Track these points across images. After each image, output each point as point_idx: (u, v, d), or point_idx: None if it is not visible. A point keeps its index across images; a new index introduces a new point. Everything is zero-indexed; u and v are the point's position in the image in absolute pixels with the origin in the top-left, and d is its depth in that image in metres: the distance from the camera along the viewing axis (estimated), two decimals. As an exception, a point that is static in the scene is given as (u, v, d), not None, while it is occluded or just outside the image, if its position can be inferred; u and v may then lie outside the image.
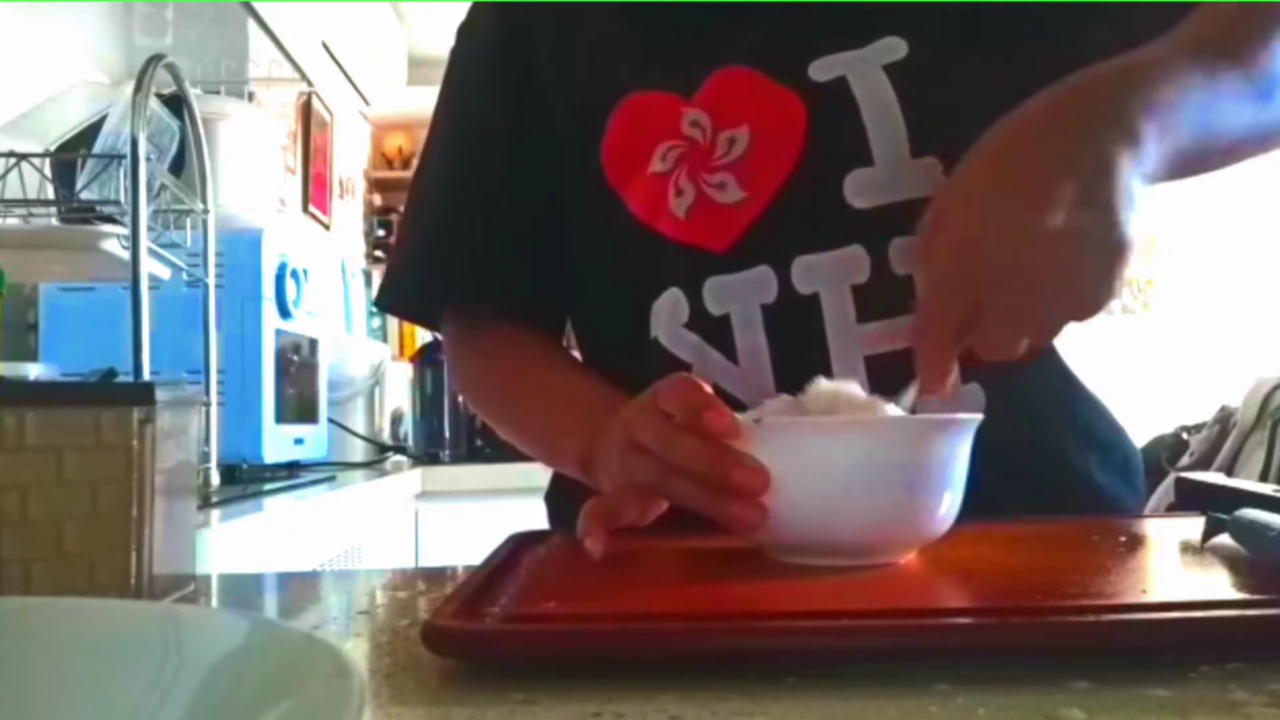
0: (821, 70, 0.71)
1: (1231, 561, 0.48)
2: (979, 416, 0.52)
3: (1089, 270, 0.51)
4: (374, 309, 3.41)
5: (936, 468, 0.50)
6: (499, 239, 0.81)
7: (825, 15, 0.72)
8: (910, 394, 0.55)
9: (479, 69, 0.84)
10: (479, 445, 2.65)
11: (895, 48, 0.71)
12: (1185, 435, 2.21)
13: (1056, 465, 0.74)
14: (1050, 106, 0.54)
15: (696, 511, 0.53)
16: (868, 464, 0.49)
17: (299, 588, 0.70)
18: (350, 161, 3.36)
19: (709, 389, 0.54)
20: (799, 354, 0.69)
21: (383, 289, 0.86)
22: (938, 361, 0.54)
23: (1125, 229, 0.50)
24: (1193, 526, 0.55)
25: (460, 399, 2.62)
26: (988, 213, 0.52)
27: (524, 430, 0.82)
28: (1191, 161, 0.57)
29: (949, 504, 0.51)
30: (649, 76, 0.75)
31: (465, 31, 0.87)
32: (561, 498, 0.86)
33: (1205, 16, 0.60)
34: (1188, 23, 0.60)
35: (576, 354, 0.87)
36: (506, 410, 0.85)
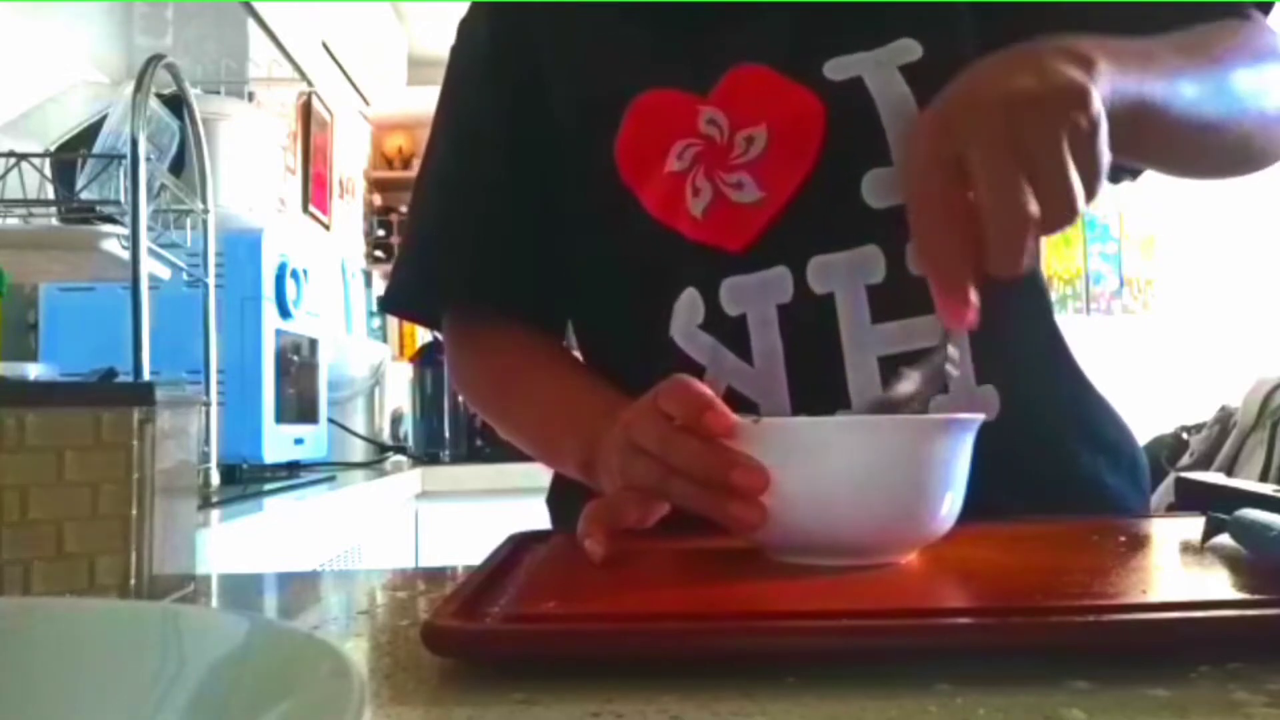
0: (837, 70, 0.71)
1: (1231, 561, 0.48)
2: (980, 416, 0.52)
3: (1065, 80, 0.50)
4: (374, 309, 3.41)
5: (937, 468, 0.50)
6: (498, 239, 0.81)
7: (838, 16, 0.72)
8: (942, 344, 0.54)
9: (477, 68, 0.84)
10: (479, 445, 2.65)
11: (910, 49, 0.71)
12: (1185, 435, 2.20)
13: (1066, 468, 0.74)
14: (1007, 52, 0.55)
15: (697, 513, 0.53)
16: (868, 464, 0.49)
17: (299, 588, 0.70)
18: (350, 161, 3.36)
19: (709, 390, 0.54)
20: (813, 354, 0.69)
21: (387, 291, 0.87)
22: (938, 235, 0.51)
23: (1095, 91, 0.51)
24: (1193, 526, 0.55)
25: (460, 399, 2.62)
26: (958, 88, 0.53)
27: (524, 430, 0.82)
28: (1142, 113, 0.57)
29: (950, 504, 0.51)
30: (660, 74, 0.74)
31: (464, 29, 0.87)
32: (564, 499, 0.86)
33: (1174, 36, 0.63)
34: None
35: (578, 354, 0.87)
36: (506, 410, 0.85)
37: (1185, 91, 0.60)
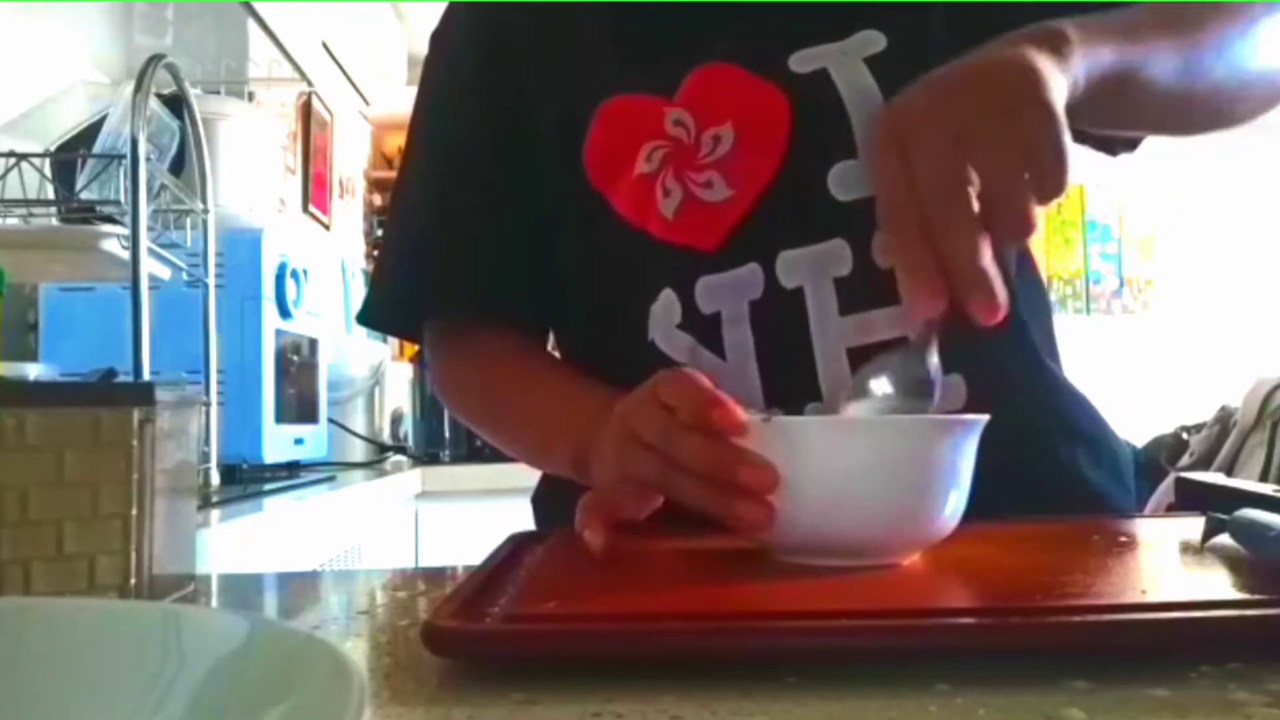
0: (802, 63, 0.71)
1: (1231, 561, 0.48)
2: (985, 417, 0.51)
3: (1020, 75, 0.50)
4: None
5: (944, 467, 0.50)
6: (481, 250, 0.80)
7: (802, 11, 0.72)
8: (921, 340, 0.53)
9: (457, 81, 0.84)
10: (479, 445, 2.65)
11: (874, 40, 0.71)
12: (1185, 435, 2.21)
13: (1043, 461, 0.74)
14: (979, 52, 0.56)
15: (698, 509, 0.53)
16: (877, 463, 0.49)
17: (299, 588, 0.70)
18: (350, 161, 3.36)
19: (711, 384, 0.54)
20: (784, 348, 0.70)
21: (365, 304, 0.85)
22: (901, 223, 0.51)
23: (1051, 73, 0.51)
24: (1193, 526, 0.54)
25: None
26: (919, 90, 0.53)
27: (515, 435, 0.82)
28: (1119, 87, 0.58)
29: (954, 504, 0.51)
30: (628, 78, 0.75)
31: (439, 39, 0.87)
32: (549, 500, 0.86)
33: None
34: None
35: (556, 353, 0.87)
36: (496, 417, 0.84)
37: (1165, 61, 0.60)
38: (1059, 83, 0.52)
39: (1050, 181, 0.49)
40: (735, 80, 0.72)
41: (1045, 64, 0.52)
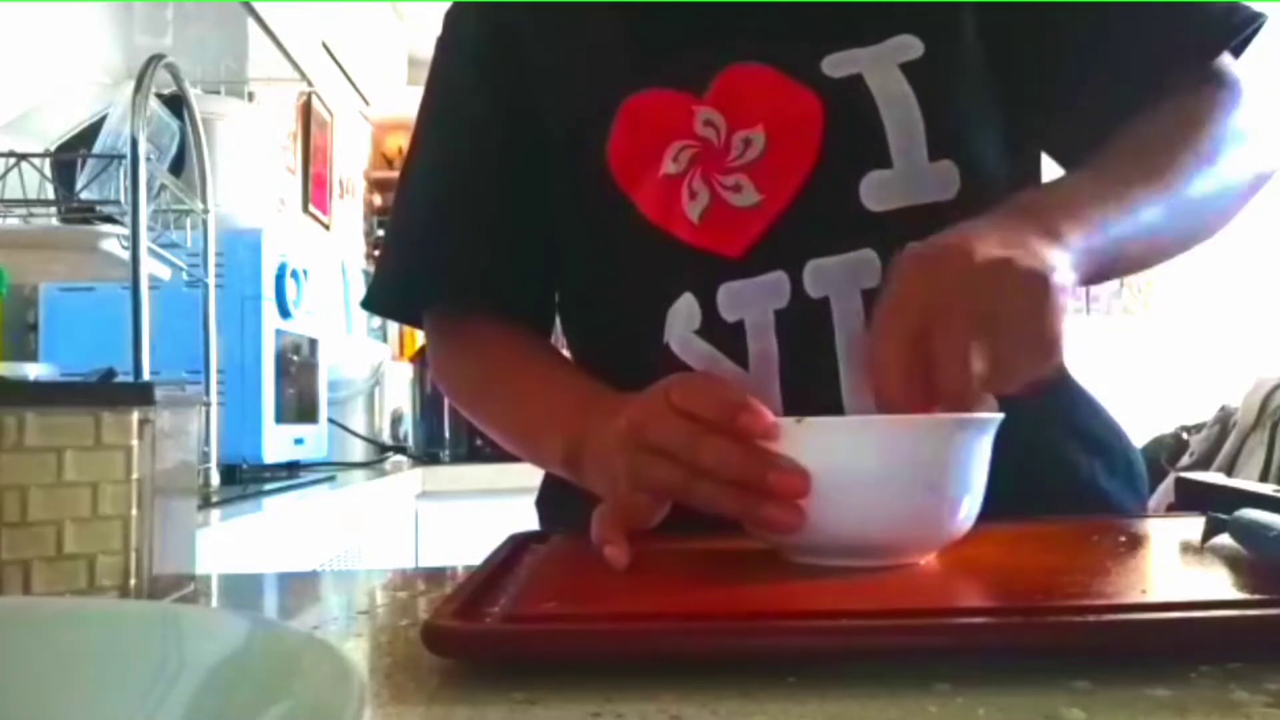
0: (835, 67, 0.69)
1: (1231, 561, 0.48)
2: (1000, 415, 0.51)
3: (1034, 295, 0.52)
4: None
5: (971, 465, 0.50)
6: (484, 239, 0.80)
7: (836, 12, 0.71)
8: None
9: (465, 66, 0.83)
10: (479, 445, 2.64)
11: (910, 46, 0.69)
12: (1185, 435, 2.21)
13: (1060, 472, 0.74)
14: (985, 220, 0.57)
15: (724, 515, 0.52)
16: (911, 462, 0.49)
17: (299, 588, 0.70)
18: (350, 161, 3.36)
19: (734, 388, 0.53)
20: (808, 359, 0.68)
21: (369, 290, 0.85)
22: (891, 391, 0.52)
23: (1061, 278, 0.53)
24: (1193, 526, 0.55)
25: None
26: (940, 265, 0.54)
27: (506, 426, 0.81)
28: (1109, 264, 0.60)
29: (975, 503, 0.51)
30: (653, 74, 0.73)
31: (451, 21, 0.86)
32: (554, 503, 0.85)
33: (1122, 144, 0.65)
34: (1106, 150, 0.65)
35: (565, 353, 0.87)
36: (488, 406, 0.83)
37: (1149, 220, 0.62)
38: (1069, 283, 0.54)
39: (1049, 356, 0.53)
40: (767, 82, 0.70)
41: (1058, 269, 0.53)
